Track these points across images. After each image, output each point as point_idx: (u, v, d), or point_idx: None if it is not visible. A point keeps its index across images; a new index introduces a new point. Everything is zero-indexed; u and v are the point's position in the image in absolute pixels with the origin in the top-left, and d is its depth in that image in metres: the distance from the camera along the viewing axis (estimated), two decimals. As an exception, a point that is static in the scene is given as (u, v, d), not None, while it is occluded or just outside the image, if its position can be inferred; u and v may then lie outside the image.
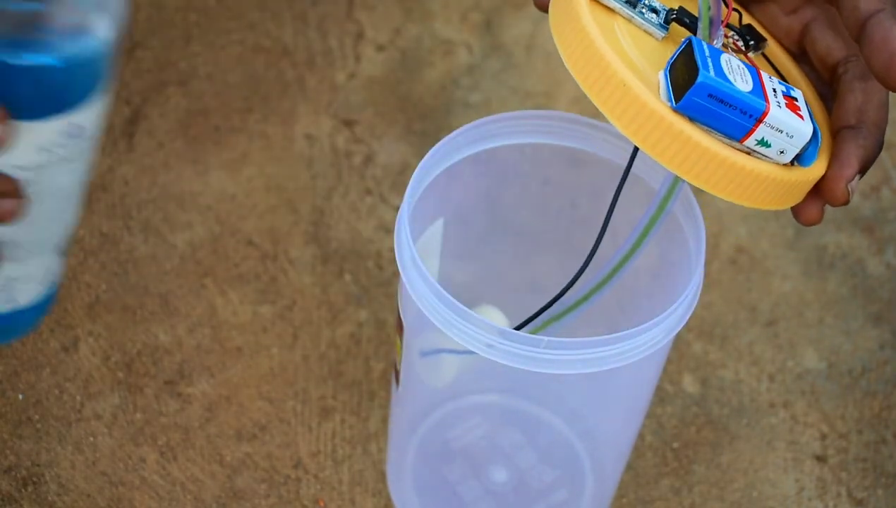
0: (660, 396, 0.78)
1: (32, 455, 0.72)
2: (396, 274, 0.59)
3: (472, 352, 0.61)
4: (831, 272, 0.85)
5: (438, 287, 0.56)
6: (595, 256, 0.59)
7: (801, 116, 0.52)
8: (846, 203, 0.54)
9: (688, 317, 0.58)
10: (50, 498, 0.70)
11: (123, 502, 0.71)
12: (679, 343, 0.80)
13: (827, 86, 0.58)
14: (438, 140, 0.61)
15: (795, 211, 0.56)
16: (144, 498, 0.71)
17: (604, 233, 0.58)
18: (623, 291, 0.62)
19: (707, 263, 0.84)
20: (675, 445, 0.76)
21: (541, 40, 0.94)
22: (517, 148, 0.63)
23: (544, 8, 0.58)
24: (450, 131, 0.62)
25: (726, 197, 0.53)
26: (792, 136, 0.52)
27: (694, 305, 0.59)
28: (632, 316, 0.66)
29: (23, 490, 0.70)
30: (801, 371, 0.80)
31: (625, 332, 0.56)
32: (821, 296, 0.84)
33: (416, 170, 0.60)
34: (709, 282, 0.83)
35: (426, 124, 0.89)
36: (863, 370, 0.81)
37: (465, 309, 0.55)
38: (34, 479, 0.71)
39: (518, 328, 0.60)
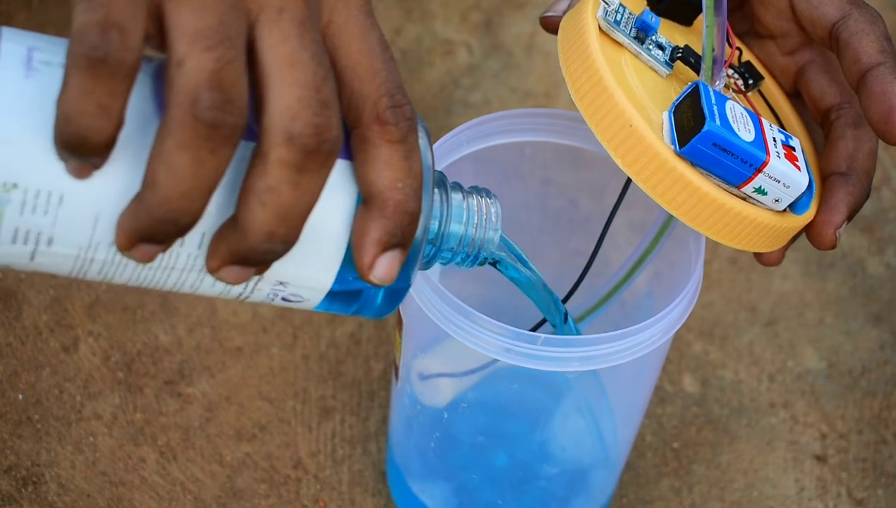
0: (660, 396, 0.78)
1: (32, 455, 0.72)
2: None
3: (468, 373, 0.62)
4: (831, 272, 0.85)
5: (438, 284, 0.56)
6: (590, 265, 0.60)
7: (798, 167, 0.53)
8: (833, 247, 0.56)
9: (686, 317, 0.58)
10: (50, 498, 0.70)
11: (123, 502, 0.71)
12: (679, 343, 0.80)
13: (817, 124, 0.59)
14: (438, 140, 0.61)
15: (759, 253, 0.57)
16: (144, 498, 0.71)
17: (598, 251, 0.58)
18: (623, 290, 0.62)
19: (707, 263, 0.84)
20: (675, 445, 0.76)
21: (541, 40, 0.94)
22: (517, 146, 0.63)
23: (552, 30, 0.58)
24: (450, 131, 0.62)
25: (719, 239, 0.54)
26: (788, 187, 0.53)
27: (693, 304, 0.59)
28: (632, 314, 0.66)
29: (23, 490, 0.70)
30: (801, 371, 0.80)
31: (623, 330, 0.56)
32: (821, 296, 0.84)
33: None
34: (709, 282, 0.83)
35: (426, 124, 0.89)
36: (863, 370, 0.81)
37: (463, 305, 0.55)
38: (34, 479, 0.71)
39: None
